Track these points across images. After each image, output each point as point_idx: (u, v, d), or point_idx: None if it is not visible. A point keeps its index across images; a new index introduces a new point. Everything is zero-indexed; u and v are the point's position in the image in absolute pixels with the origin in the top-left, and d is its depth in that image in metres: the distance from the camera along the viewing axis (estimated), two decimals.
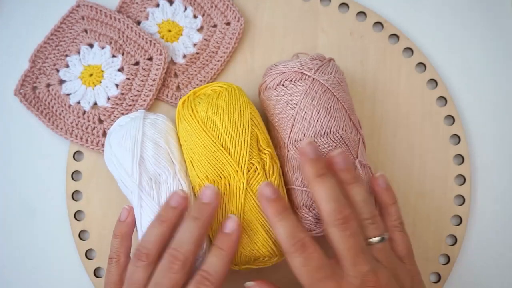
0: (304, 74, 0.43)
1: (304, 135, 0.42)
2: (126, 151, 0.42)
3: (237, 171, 0.41)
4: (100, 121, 0.50)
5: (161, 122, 0.44)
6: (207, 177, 0.42)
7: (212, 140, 0.41)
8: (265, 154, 0.42)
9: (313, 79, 0.43)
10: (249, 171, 0.41)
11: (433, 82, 0.52)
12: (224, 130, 0.41)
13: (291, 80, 0.43)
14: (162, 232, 0.39)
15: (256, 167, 0.41)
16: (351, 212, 0.37)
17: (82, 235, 0.50)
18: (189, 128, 0.43)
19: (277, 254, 0.42)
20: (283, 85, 0.44)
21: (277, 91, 0.44)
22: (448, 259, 0.50)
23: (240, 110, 0.42)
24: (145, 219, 0.42)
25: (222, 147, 0.41)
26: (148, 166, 0.42)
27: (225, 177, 0.41)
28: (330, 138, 0.42)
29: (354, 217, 0.37)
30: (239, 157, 0.41)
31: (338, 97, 0.43)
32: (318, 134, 0.42)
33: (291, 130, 0.43)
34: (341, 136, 0.43)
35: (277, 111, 0.44)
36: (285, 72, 0.44)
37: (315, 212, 0.42)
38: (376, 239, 0.38)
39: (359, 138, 0.45)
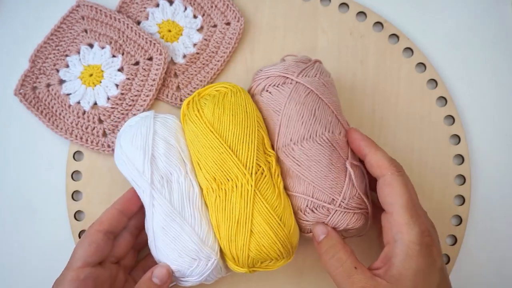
0: (287, 78, 0.43)
1: (291, 140, 0.42)
2: (137, 149, 0.42)
3: (244, 173, 0.40)
4: (100, 121, 0.50)
5: (171, 121, 0.44)
6: (215, 178, 0.41)
7: (220, 141, 0.41)
8: (270, 156, 0.42)
9: (296, 82, 0.43)
10: (256, 173, 0.41)
11: (433, 82, 0.52)
12: (231, 131, 0.41)
13: (274, 85, 0.43)
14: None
15: (263, 169, 0.41)
16: None
17: (82, 235, 0.50)
18: (196, 129, 0.42)
19: (284, 256, 0.42)
20: (267, 91, 0.44)
21: (262, 97, 0.44)
22: (448, 259, 0.50)
23: (247, 112, 0.42)
24: (157, 218, 0.42)
25: (229, 148, 0.41)
26: (159, 164, 0.42)
27: (232, 179, 0.41)
28: (316, 141, 0.42)
29: None
30: (246, 159, 0.41)
31: (324, 98, 0.43)
32: (304, 138, 0.42)
33: (278, 135, 0.43)
34: (327, 138, 0.42)
35: (264, 117, 0.44)
36: (269, 77, 0.44)
37: (309, 216, 0.42)
38: None
39: None
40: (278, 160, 0.43)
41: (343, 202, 0.41)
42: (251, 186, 0.40)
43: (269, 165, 0.42)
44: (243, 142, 0.41)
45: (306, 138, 0.42)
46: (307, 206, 0.42)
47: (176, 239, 0.41)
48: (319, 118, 0.42)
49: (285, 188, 0.43)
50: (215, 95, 0.43)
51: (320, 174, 0.41)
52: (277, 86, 0.43)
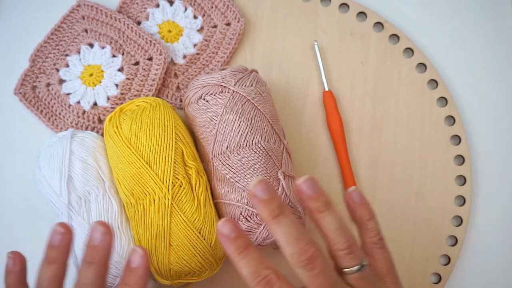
0: (224, 87, 0.43)
1: (227, 148, 0.42)
2: (54, 171, 0.43)
3: (161, 187, 0.41)
4: (100, 121, 0.50)
5: (89, 140, 0.44)
6: (133, 194, 0.42)
7: (136, 157, 0.41)
8: (191, 168, 0.42)
9: (233, 91, 0.43)
10: (174, 186, 0.41)
11: (434, 82, 0.52)
12: (147, 146, 0.41)
13: (211, 94, 0.43)
14: (52, 274, 0.37)
15: (181, 182, 0.41)
16: (315, 250, 0.34)
17: None
18: (114, 145, 0.43)
19: (207, 268, 0.42)
20: (204, 99, 0.44)
21: (198, 105, 0.44)
22: (448, 260, 0.50)
23: (164, 125, 0.42)
24: (77, 239, 0.42)
25: (146, 163, 0.41)
26: (76, 185, 0.42)
27: (149, 194, 0.41)
28: (252, 149, 0.42)
29: (320, 254, 0.34)
30: (163, 173, 0.41)
31: (260, 107, 0.43)
32: (240, 146, 0.42)
33: (214, 143, 0.43)
34: (263, 147, 0.42)
35: (200, 125, 0.44)
36: (206, 86, 0.44)
37: (243, 224, 0.42)
38: (354, 268, 0.35)
39: (283, 148, 0.45)
40: (213, 168, 0.43)
41: None
42: (168, 199, 0.41)
43: (189, 178, 0.42)
44: (159, 156, 0.41)
45: (242, 146, 0.42)
46: (241, 214, 0.42)
47: None
48: (256, 127, 0.43)
49: (219, 197, 0.44)
50: (134, 110, 0.43)
51: None
52: (214, 95, 0.43)
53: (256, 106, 0.43)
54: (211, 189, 0.44)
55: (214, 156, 0.43)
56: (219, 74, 0.44)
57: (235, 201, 0.42)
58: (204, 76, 0.45)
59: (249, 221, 0.42)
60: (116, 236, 0.42)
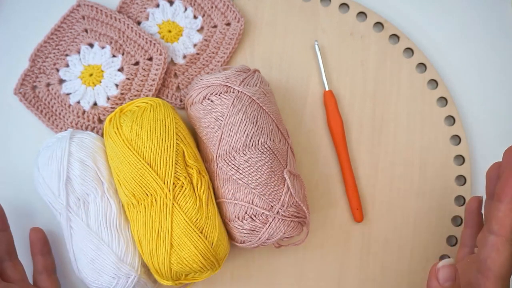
0: (229, 87, 0.43)
1: (232, 148, 0.42)
2: (53, 172, 0.43)
3: (162, 188, 0.41)
4: (100, 121, 0.50)
5: (88, 141, 0.44)
6: (134, 194, 0.42)
7: (137, 158, 0.41)
8: (192, 169, 0.42)
9: (238, 91, 0.43)
10: (175, 187, 0.41)
11: (434, 82, 0.52)
12: (148, 146, 0.41)
13: (216, 94, 0.43)
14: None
15: (183, 183, 0.41)
16: None
17: None
18: (115, 146, 0.43)
19: (208, 268, 0.42)
20: (208, 99, 0.44)
21: (203, 105, 0.44)
22: None
23: (165, 126, 0.42)
24: (75, 240, 0.43)
25: (147, 164, 0.41)
26: (75, 186, 0.43)
27: (151, 194, 0.41)
28: (258, 149, 0.42)
29: None
30: (165, 173, 0.41)
31: (264, 107, 0.44)
32: (246, 146, 0.42)
33: (219, 143, 0.43)
34: (269, 147, 0.43)
35: (204, 125, 0.44)
36: (210, 86, 0.44)
37: (247, 223, 0.42)
38: None
39: (288, 147, 0.45)
40: (217, 167, 0.43)
41: (281, 210, 0.42)
42: (170, 200, 0.41)
43: (191, 178, 0.42)
44: (161, 157, 0.41)
45: (248, 146, 0.42)
46: (246, 213, 0.42)
47: (94, 260, 0.42)
48: (261, 127, 0.43)
49: (222, 196, 0.44)
50: (134, 111, 0.43)
51: (261, 181, 0.42)
52: (219, 95, 0.43)
53: (261, 106, 0.43)
54: (213, 188, 0.44)
55: (219, 156, 0.43)
56: (223, 74, 0.44)
57: (240, 200, 0.42)
58: (207, 76, 0.45)
59: (254, 219, 0.42)
60: (114, 237, 0.42)
